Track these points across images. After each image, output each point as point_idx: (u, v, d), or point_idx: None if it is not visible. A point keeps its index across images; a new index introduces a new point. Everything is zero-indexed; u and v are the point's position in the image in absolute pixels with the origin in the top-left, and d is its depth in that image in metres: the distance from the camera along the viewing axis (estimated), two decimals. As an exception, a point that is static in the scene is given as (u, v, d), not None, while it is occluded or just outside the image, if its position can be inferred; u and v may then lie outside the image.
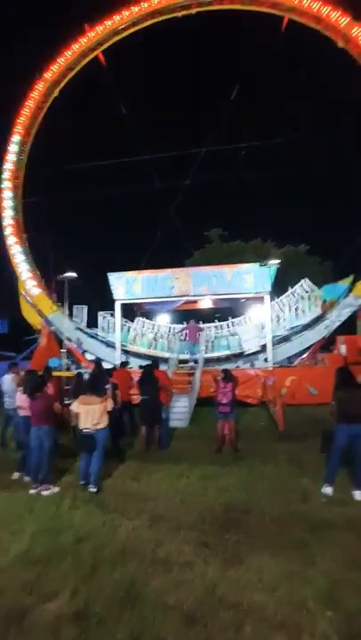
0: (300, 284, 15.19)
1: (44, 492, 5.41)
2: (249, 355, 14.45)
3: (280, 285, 15.43)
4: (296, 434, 8.49)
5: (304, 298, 14.62)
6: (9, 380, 7.50)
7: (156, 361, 8.95)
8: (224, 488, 5.51)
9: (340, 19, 14.89)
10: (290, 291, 15.32)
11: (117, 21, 17.27)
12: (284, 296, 15.30)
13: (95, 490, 5.44)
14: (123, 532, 4.28)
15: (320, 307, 13.91)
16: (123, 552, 3.86)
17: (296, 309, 14.52)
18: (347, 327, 14.13)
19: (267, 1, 15.97)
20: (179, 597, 3.14)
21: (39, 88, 17.81)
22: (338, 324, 13.75)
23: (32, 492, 5.46)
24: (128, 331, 15.52)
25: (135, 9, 17.00)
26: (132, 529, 4.34)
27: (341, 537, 4.11)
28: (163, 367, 13.20)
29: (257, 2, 16.19)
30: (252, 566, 3.58)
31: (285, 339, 14.30)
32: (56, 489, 5.54)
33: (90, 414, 5.60)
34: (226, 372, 7.77)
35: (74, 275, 13.49)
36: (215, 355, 14.92)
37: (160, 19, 17.36)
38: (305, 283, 15.13)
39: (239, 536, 4.16)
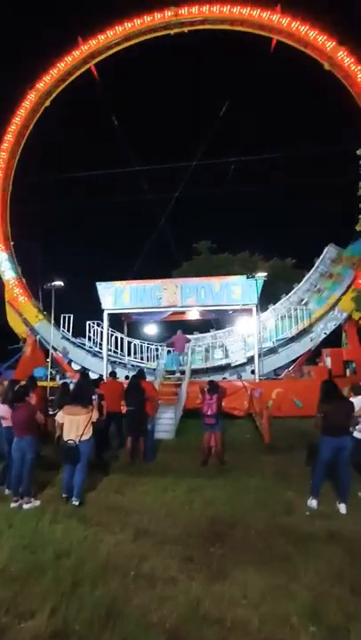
0: (325, 251, 15.24)
1: (26, 506, 5.28)
2: (236, 366, 14.49)
3: (267, 298, 15.60)
4: (282, 446, 8.50)
5: (292, 315, 14.80)
6: None
7: (142, 371, 8.87)
8: (210, 501, 5.45)
9: (326, 42, 15.44)
10: (315, 264, 15.31)
11: (110, 36, 17.56)
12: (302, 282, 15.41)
13: (78, 503, 5.32)
14: (105, 546, 4.17)
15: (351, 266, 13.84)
16: (105, 568, 3.76)
17: (289, 316, 14.63)
18: (332, 340, 14.32)
19: (255, 22, 16.47)
20: (162, 614, 3.07)
21: (31, 97, 17.92)
22: (323, 336, 13.94)
23: (13, 505, 5.30)
24: (116, 340, 15.43)
25: (128, 25, 17.35)
26: (115, 544, 4.24)
27: (325, 550, 4.09)
28: (149, 378, 13.15)
29: (246, 23, 16.68)
30: (236, 581, 3.53)
31: (272, 351, 14.40)
32: (37, 502, 5.41)
33: (74, 425, 5.50)
34: (211, 383, 7.74)
35: (61, 283, 13.36)
36: (200, 366, 14.94)
37: (152, 35, 17.73)
38: (330, 247, 15.13)
39: (224, 550, 4.10)
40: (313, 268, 15.60)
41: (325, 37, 15.45)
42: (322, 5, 17.48)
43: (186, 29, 17.52)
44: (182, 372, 13.33)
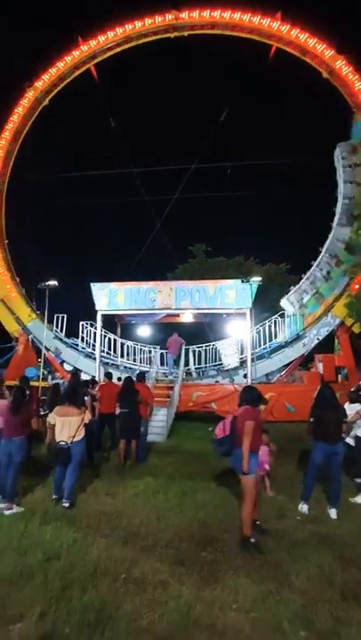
0: (336, 151, 14.83)
1: (7, 512, 5.07)
2: (228, 370, 14.51)
3: (261, 302, 15.66)
4: (273, 451, 8.50)
5: (289, 316, 14.89)
6: None
7: (143, 374, 8.84)
8: (202, 505, 5.42)
9: (325, 51, 15.62)
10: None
11: (110, 37, 17.59)
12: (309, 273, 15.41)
13: (68, 505, 5.25)
14: (95, 550, 4.12)
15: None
16: (94, 571, 3.71)
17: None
18: (325, 346, 14.40)
19: (256, 29, 16.61)
20: (152, 619, 3.04)
21: (29, 96, 17.84)
22: (316, 342, 14.01)
23: (1, 505, 5.21)
24: (109, 342, 15.37)
25: (129, 27, 17.39)
26: (106, 547, 4.19)
27: (317, 555, 4.09)
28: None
29: (247, 29, 16.82)
30: (227, 586, 3.51)
31: (265, 355, 14.45)
32: (21, 509, 5.19)
33: (66, 426, 5.44)
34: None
35: (55, 283, 13.27)
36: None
37: (153, 38, 17.79)
38: (341, 145, 14.76)
39: (216, 554, 4.08)
40: (309, 271, 15.62)
41: (324, 46, 15.63)
42: (322, 14, 17.68)
43: (186, 33, 17.61)
44: (175, 375, 13.31)
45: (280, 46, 16.50)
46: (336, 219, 14.36)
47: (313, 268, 15.28)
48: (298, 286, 15.98)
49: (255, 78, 18.69)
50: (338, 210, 14.39)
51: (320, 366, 13.49)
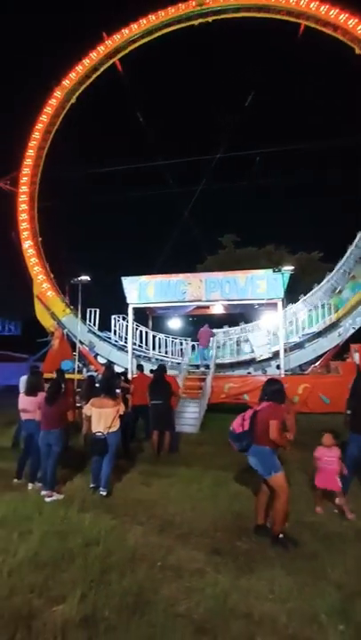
0: (358, 236, 14.97)
1: (47, 499, 5.30)
2: (261, 361, 14.35)
3: (293, 292, 15.32)
4: (308, 442, 8.35)
5: (318, 307, 14.49)
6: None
7: (163, 366, 8.90)
8: (235, 495, 5.44)
9: (357, 26, 14.86)
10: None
11: (135, 29, 17.54)
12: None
13: (105, 493, 5.43)
14: (132, 537, 4.24)
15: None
16: (132, 557, 3.83)
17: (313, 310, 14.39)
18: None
19: (283, 8, 16.03)
20: (189, 606, 3.10)
21: (57, 95, 18.16)
22: (352, 331, 13.57)
23: (43, 492, 5.45)
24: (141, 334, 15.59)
25: (152, 17, 17.26)
26: (142, 534, 4.30)
27: (353, 549, 4.01)
28: (174, 372, 13.21)
29: (273, 9, 16.26)
30: (263, 576, 3.52)
31: (298, 346, 14.16)
32: (60, 496, 5.42)
33: (102, 418, 5.59)
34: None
35: (87, 278, 13.60)
36: (226, 361, 14.87)
37: (177, 27, 17.57)
38: None
39: (250, 544, 4.09)
40: (346, 254, 15.15)
41: (356, 20, 14.87)
42: (352, -13, 16.77)
43: (210, 19, 17.28)
44: (207, 367, 13.32)
45: (309, 24, 15.86)
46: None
47: (349, 251, 14.79)
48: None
49: (282, 61, 18.07)
50: None
51: (356, 356, 13.06)
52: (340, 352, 14.79)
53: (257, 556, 3.88)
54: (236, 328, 16.87)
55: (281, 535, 4.06)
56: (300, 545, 4.07)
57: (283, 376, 12.54)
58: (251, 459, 4.27)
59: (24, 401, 6.17)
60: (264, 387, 4.49)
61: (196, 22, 17.35)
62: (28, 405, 6.06)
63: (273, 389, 4.38)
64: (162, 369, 8.63)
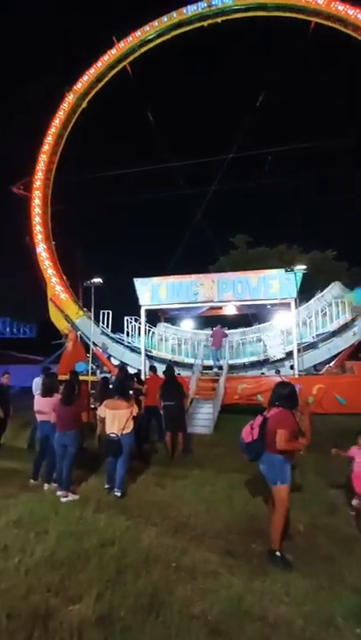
0: (329, 287, 14.87)
1: (63, 499, 5.37)
2: (274, 361, 14.24)
3: (307, 291, 15.18)
4: (323, 443, 8.26)
5: (332, 304, 14.31)
6: (40, 383, 7.63)
7: (171, 366, 8.90)
8: (250, 497, 5.42)
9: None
10: (318, 295, 15.04)
11: (145, 32, 17.65)
12: (312, 300, 15.04)
13: (120, 494, 5.47)
14: (147, 537, 4.27)
15: (352, 311, 13.54)
16: (146, 558, 3.85)
17: (324, 314, 14.24)
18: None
19: (292, 6, 15.91)
20: (203, 608, 3.10)
21: (69, 100, 18.38)
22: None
23: (59, 493, 5.52)
24: (152, 335, 15.64)
25: (164, 19, 17.34)
26: (156, 535, 4.32)
27: (372, 553, 3.95)
28: (187, 373, 13.22)
29: (282, 8, 16.16)
30: (278, 579, 3.49)
31: (312, 345, 14.01)
32: (76, 496, 5.48)
33: (116, 419, 5.64)
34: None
35: (100, 281, 13.74)
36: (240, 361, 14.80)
37: (186, 29, 17.62)
38: (336, 286, 14.78)
39: (265, 547, 4.06)
40: None
41: (368, 15, 14.67)
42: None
43: (220, 19, 17.27)
44: (220, 368, 13.28)
45: (320, 21, 15.71)
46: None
47: None
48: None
49: (292, 60, 17.93)
50: None
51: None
52: (356, 351, 14.57)
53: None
54: (252, 328, 16.79)
55: (278, 553, 3.78)
56: (315, 548, 4.03)
57: (297, 376, 12.44)
58: (261, 465, 4.05)
59: (40, 402, 6.26)
60: (274, 390, 4.15)
61: (205, 23, 17.37)
62: (44, 407, 6.14)
63: (284, 393, 4.05)
64: (171, 369, 8.64)
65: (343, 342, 13.61)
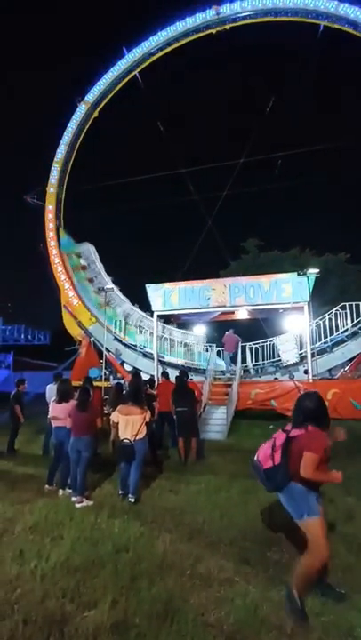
0: None
1: (78, 505, 5.39)
2: (288, 366, 14.10)
3: (321, 295, 15.02)
4: (339, 449, 8.12)
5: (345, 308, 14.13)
6: (53, 389, 7.73)
7: (185, 371, 8.89)
8: (265, 504, 5.34)
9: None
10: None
11: (155, 42, 17.90)
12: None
13: (134, 500, 5.47)
14: (161, 544, 4.25)
15: None
16: (161, 565, 3.83)
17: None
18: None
19: (300, 10, 15.94)
20: (219, 616, 3.07)
21: (81, 110, 18.72)
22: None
23: (74, 499, 5.55)
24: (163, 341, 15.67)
25: (173, 27, 17.55)
26: (171, 541, 4.30)
27: (392, 562, 3.86)
28: (200, 378, 13.19)
29: (291, 12, 16.22)
30: (295, 588, 3.43)
31: (327, 350, 13.83)
32: (90, 502, 5.49)
33: (130, 425, 5.66)
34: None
35: (112, 287, 13.88)
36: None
37: (195, 36, 17.80)
38: None
39: (281, 555, 4.01)
40: None
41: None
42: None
43: (228, 26, 17.40)
44: (233, 373, 13.21)
45: (328, 25, 15.70)
46: None
47: None
48: None
49: (301, 64, 17.93)
50: None
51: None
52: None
53: (288, 567, 3.78)
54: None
55: (298, 601, 3.01)
56: (332, 557, 3.94)
57: (311, 381, 12.28)
58: (280, 496, 3.27)
59: (55, 408, 6.32)
60: (300, 406, 3.28)
61: (214, 31, 17.54)
62: (60, 413, 6.20)
63: (312, 407, 3.23)
64: (184, 375, 8.64)
65: (357, 346, 13.40)
